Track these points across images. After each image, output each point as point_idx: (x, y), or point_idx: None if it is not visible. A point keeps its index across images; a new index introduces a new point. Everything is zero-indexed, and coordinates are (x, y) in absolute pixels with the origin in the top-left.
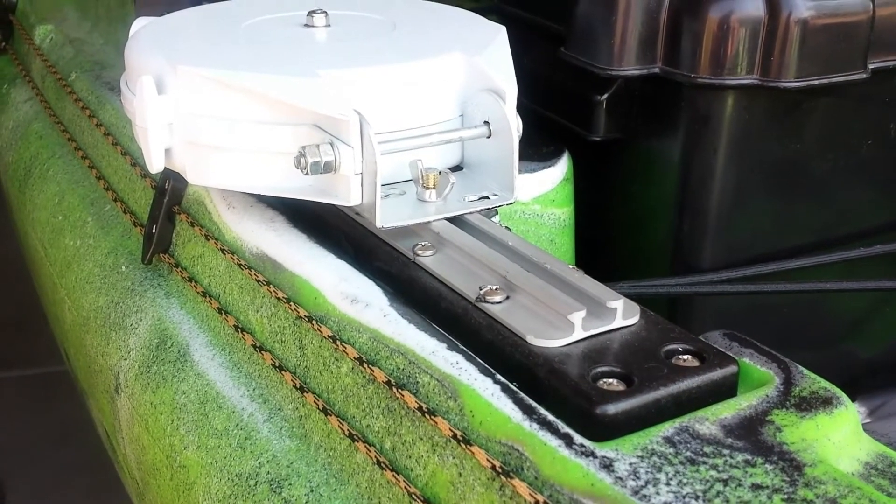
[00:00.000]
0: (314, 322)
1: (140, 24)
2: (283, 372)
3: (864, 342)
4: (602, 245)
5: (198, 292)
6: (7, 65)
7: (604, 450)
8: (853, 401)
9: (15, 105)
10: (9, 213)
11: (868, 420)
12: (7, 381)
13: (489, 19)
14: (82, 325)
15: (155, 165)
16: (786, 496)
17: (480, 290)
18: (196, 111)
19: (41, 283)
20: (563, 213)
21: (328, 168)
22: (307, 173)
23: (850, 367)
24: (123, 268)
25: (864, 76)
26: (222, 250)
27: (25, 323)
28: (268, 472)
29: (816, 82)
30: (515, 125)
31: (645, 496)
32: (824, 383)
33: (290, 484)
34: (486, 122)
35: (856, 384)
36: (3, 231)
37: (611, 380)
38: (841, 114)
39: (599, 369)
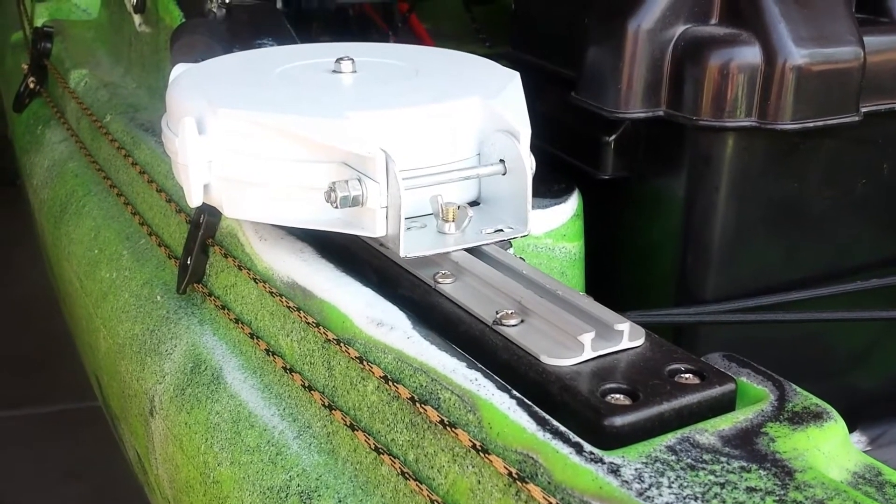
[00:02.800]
0: (342, 344)
1: (179, 70)
2: (312, 392)
3: (863, 373)
4: (610, 277)
5: (230, 319)
6: (41, 107)
7: (611, 457)
8: (854, 430)
9: (50, 145)
10: (41, 248)
11: (868, 449)
12: (20, 418)
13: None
14: (118, 352)
15: (194, 200)
16: (777, 498)
17: (497, 314)
18: (234, 150)
19: (75, 315)
20: (574, 247)
21: (356, 202)
22: (336, 207)
23: (850, 397)
24: (159, 297)
25: (857, 119)
26: (254, 279)
27: (40, 361)
28: (298, 485)
29: (811, 125)
30: (529, 163)
31: (649, 497)
32: (816, 400)
33: (319, 496)
34: (502, 161)
35: (856, 414)
36: (20, 272)
37: (618, 395)
38: (836, 154)
39: (607, 386)
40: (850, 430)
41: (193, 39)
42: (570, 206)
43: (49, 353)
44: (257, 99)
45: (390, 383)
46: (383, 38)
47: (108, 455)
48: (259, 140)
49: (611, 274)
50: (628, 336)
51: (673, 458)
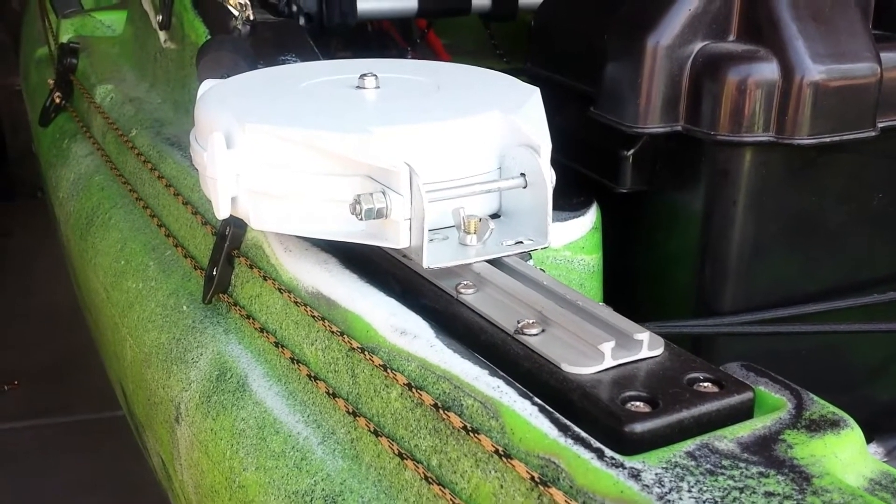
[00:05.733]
0: (366, 353)
1: (207, 86)
2: (336, 399)
3: (880, 386)
4: (628, 289)
5: (255, 328)
6: (67, 121)
7: (632, 462)
8: (870, 442)
9: (76, 159)
10: (66, 260)
11: (885, 460)
12: (39, 428)
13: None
14: (144, 360)
15: (222, 212)
16: (795, 502)
17: (518, 323)
18: (261, 163)
19: (100, 325)
20: (592, 260)
21: (380, 214)
22: (361, 219)
23: (867, 409)
24: (185, 307)
25: (874, 134)
26: (279, 290)
27: (60, 372)
28: (323, 490)
29: (828, 139)
30: (549, 177)
31: (669, 501)
32: (832, 408)
33: (343, 500)
34: (523, 174)
35: (873, 426)
36: (41, 283)
37: (638, 403)
38: (853, 169)
39: (627, 393)
40: (867, 442)
41: (219, 56)
42: (589, 219)
43: (68, 363)
44: (284, 114)
45: (414, 390)
46: (401, 54)
47: (128, 465)
48: (286, 154)
49: (629, 286)
50: (647, 345)
51: (692, 463)
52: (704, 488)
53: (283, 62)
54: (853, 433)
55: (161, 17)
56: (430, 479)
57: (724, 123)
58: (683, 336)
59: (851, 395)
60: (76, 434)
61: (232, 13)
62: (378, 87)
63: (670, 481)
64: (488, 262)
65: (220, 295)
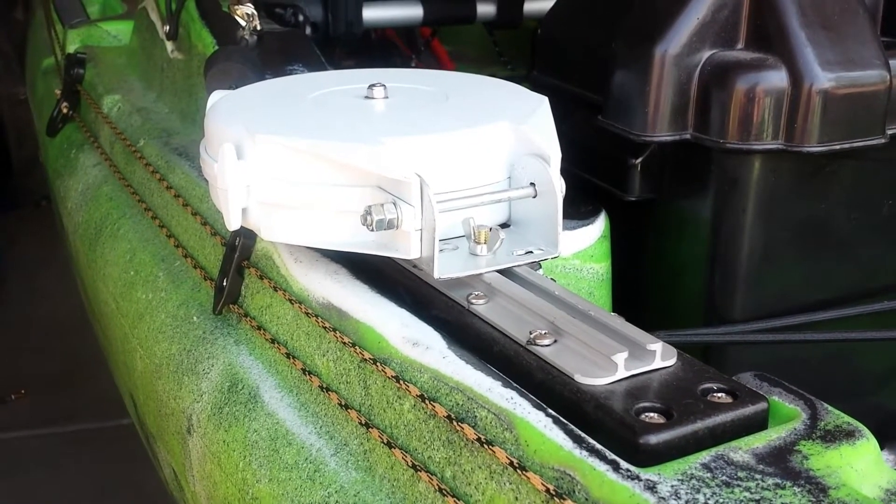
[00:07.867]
0: (378, 364)
1: (216, 97)
2: (348, 410)
3: (890, 393)
4: (637, 298)
5: (266, 339)
6: (74, 131)
7: (647, 474)
8: (882, 449)
9: (84, 169)
10: (75, 270)
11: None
12: (44, 437)
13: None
14: (154, 371)
15: (233, 224)
16: None
17: (530, 334)
18: (272, 175)
19: (110, 335)
20: (601, 268)
21: (391, 225)
22: (372, 229)
23: (878, 416)
24: (195, 318)
25: (883, 141)
26: (290, 300)
27: (65, 381)
28: (336, 502)
29: (838, 147)
30: (559, 186)
31: None
32: (847, 418)
33: None
34: (532, 184)
35: (883, 434)
36: (45, 293)
37: (652, 414)
38: (862, 176)
39: (641, 404)
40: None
41: (227, 66)
42: (598, 228)
43: (74, 372)
44: (294, 125)
45: (427, 402)
46: (406, 62)
47: (137, 475)
48: (296, 165)
49: (638, 294)
50: (660, 356)
51: (708, 475)
52: (721, 500)
53: (291, 72)
54: (868, 443)
55: (168, 28)
56: (444, 491)
57: (732, 131)
58: (693, 344)
59: (862, 402)
60: (83, 443)
61: (239, 23)
62: (387, 97)
63: (686, 493)
64: (499, 272)
65: (231, 306)
